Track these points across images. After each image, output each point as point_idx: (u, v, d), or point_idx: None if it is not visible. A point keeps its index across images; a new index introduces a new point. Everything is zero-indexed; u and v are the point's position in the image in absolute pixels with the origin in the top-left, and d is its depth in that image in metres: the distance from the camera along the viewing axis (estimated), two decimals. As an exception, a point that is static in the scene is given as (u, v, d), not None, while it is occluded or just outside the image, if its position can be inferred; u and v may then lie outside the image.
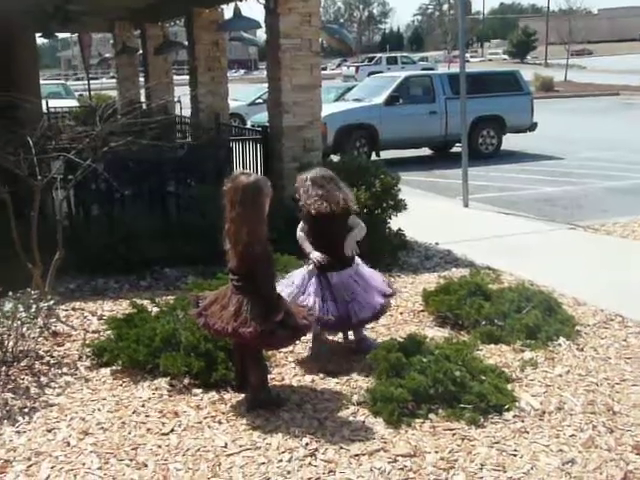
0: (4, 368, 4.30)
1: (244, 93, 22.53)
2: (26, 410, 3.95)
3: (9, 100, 8.16)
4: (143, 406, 3.98)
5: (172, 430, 3.75)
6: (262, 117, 13.51)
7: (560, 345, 4.77)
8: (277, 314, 3.77)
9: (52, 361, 4.53)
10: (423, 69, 35.11)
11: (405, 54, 53.20)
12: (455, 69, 17.76)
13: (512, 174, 12.98)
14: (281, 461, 3.43)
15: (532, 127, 15.80)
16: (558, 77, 38.99)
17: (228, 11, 10.12)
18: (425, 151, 15.89)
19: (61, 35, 21.05)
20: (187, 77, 11.49)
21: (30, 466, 3.42)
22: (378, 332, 5.05)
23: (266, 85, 8.16)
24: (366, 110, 14.57)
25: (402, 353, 4.14)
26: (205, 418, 3.86)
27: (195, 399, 4.08)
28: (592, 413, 3.87)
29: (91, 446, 3.59)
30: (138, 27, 14.34)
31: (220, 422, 3.82)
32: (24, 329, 4.43)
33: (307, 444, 3.57)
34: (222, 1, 9.77)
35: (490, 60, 65.55)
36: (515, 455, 3.48)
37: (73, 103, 19.19)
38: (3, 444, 3.62)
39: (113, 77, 31.31)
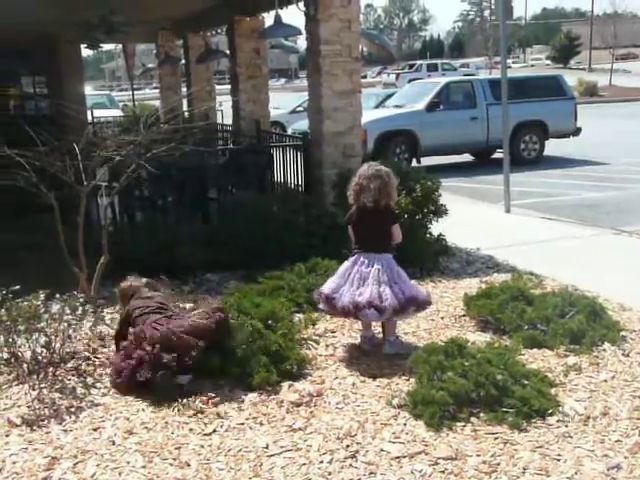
0: (51, 369, 4.40)
1: (285, 101, 22.67)
2: (72, 409, 4.03)
3: (56, 109, 8.37)
4: (184, 406, 4.03)
5: (214, 431, 3.79)
6: (303, 125, 13.56)
7: (605, 350, 4.69)
8: None
9: (97, 362, 4.61)
10: (464, 75, 34.95)
11: (446, 61, 52.97)
12: (497, 75, 17.67)
13: (555, 180, 12.81)
14: (322, 462, 3.44)
15: (576, 132, 15.58)
16: (602, 82, 38.42)
17: (269, 19, 10.22)
18: (466, 157, 15.78)
19: (105, 47, 21.45)
20: (228, 86, 11.63)
21: (77, 464, 3.50)
22: (419, 336, 5.03)
23: (306, 94, 8.21)
24: (406, 116, 14.54)
25: (443, 356, 4.12)
26: (247, 419, 3.90)
27: (236, 401, 4.11)
28: (638, 419, 3.80)
29: (135, 445, 3.65)
30: (180, 37, 14.56)
31: (261, 423, 3.85)
32: (71, 331, 4.52)
33: (348, 446, 3.58)
34: (263, 9, 9.86)
35: (532, 66, 64.88)
36: (559, 460, 3.43)
37: (117, 113, 19.56)
38: (51, 442, 3.70)
39: (156, 87, 31.84)
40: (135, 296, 4.76)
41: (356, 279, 4.64)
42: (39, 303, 4.39)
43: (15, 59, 14.31)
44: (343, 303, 4.61)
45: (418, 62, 48.99)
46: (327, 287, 4.76)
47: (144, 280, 4.98)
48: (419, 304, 4.72)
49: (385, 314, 4.58)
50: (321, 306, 4.87)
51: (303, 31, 7.87)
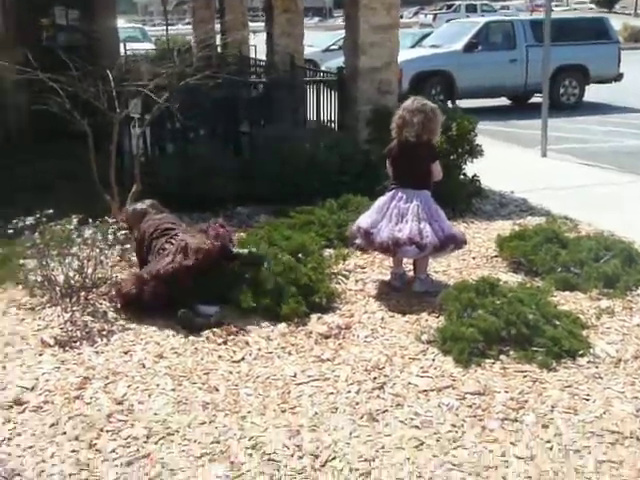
0: (83, 293, 4.45)
1: (318, 39, 22.26)
2: (104, 332, 4.09)
3: (88, 41, 8.29)
4: (214, 334, 4.06)
5: (243, 358, 3.82)
6: (336, 63, 13.31)
7: (639, 295, 4.62)
8: None
9: (128, 288, 4.64)
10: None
11: (485, 2, 51.36)
12: (535, 16, 17.10)
13: (594, 126, 12.49)
14: (349, 392, 3.46)
15: (618, 78, 15.10)
16: (648, 28, 37.07)
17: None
18: (503, 101, 15.43)
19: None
20: (261, 24, 11.44)
21: (108, 384, 3.55)
22: (450, 275, 4.99)
23: (341, 33, 8.02)
24: (443, 57, 14.21)
25: (474, 294, 4.09)
26: (275, 349, 3.92)
27: (265, 330, 4.14)
28: (670, 363, 3.76)
29: (165, 369, 3.70)
30: (215, -31, 14.30)
31: (290, 353, 3.88)
32: (102, 257, 4.55)
33: (375, 378, 3.59)
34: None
35: (575, 9, 62.67)
36: (587, 400, 3.41)
37: (149, 46, 19.41)
38: (82, 362, 3.76)
39: (188, 23, 31.42)
40: (145, 218, 4.75)
41: (394, 214, 4.57)
42: (72, 228, 4.41)
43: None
44: (382, 238, 4.55)
45: (456, 2, 47.53)
46: (364, 221, 4.69)
47: (148, 202, 4.96)
48: (457, 243, 4.68)
49: (425, 251, 4.54)
50: (358, 241, 4.82)
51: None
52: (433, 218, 4.56)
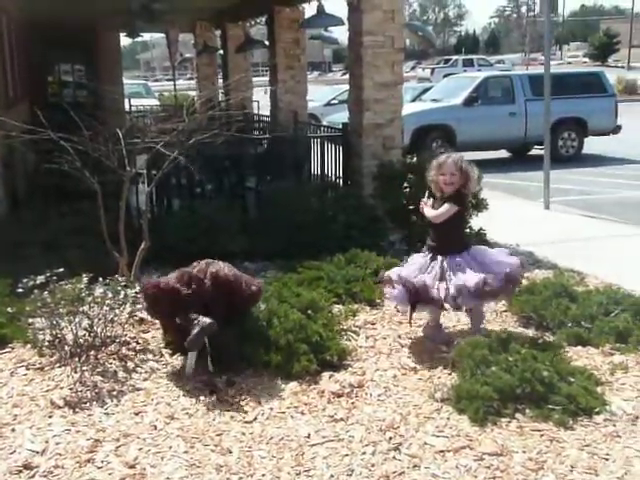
0: (93, 352, 4.41)
1: (319, 94, 22.60)
2: (114, 393, 4.05)
3: (94, 98, 8.41)
4: (226, 393, 4.02)
5: (255, 418, 3.77)
6: (338, 117, 13.53)
7: (652, 350, 4.59)
8: None
9: (138, 347, 4.62)
10: (501, 71, 34.52)
11: (482, 56, 52.40)
12: (532, 71, 17.38)
13: (594, 177, 12.61)
14: (364, 454, 3.41)
15: (615, 130, 15.31)
16: (642, 80, 37.67)
17: (308, 10, 10.21)
18: (502, 153, 15.60)
19: (141, 38, 21.53)
20: (263, 79, 11.65)
21: (119, 447, 3.50)
22: (462, 331, 4.96)
23: (341, 87, 8.19)
24: (444, 111, 14.42)
25: (488, 351, 4.06)
26: (288, 408, 3.88)
27: (277, 389, 4.09)
28: (688, 420, 3.71)
29: (177, 430, 3.65)
30: (219, 27, 14.59)
31: (302, 413, 3.83)
32: (112, 315, 4.53)
33: (391, 438, 3.54)
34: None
35: (569, 63, 63.80)
36: (607, 459, 3.35)
37: (153, 102, 19.70)
38: (93, 424, 3.71)
39: (190, 78, 31.98)
40: None
41: None
42: (82, 286, 4.40)
43: (55, 49, 14.50)
44: None
45: (454, 57, 48.56)
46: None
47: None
48: None
49: None
50: None
51: (345, 21, 7.82)
52: None
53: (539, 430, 3.60)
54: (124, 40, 15.66)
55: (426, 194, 4.87)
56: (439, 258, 4.65)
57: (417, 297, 4.59)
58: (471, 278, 4.49)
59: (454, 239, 4.73)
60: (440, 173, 4.69)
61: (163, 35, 18.79)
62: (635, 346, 4.59)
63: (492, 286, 4.50)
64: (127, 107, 15.04)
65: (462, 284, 4.48)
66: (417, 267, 4.69)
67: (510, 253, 4.96)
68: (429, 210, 4.75)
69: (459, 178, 4.66)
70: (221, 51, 14.91)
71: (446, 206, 4.65)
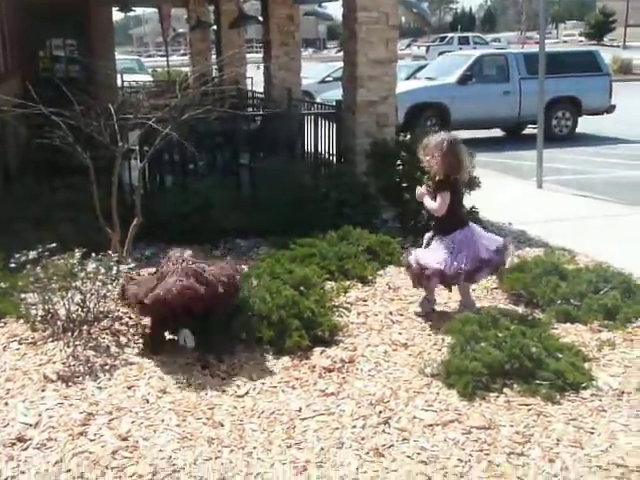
0: (85, 327, 4.43)
1: (313, 71, 22.46)
2: (107, 367, 4.08)
3: (86, 73, 8.35)
4: (218, 368, 4.05)
5: (247, 393, 3.81)
6: (332, 95, 13.46)
7: (639, 327, 4.64)
8: None
9: (130, 322, 4.64)
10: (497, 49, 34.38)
11: (478, 34, 52.12)
12: (528, 49, 17.29)
13: (587, 157, 12.63)
14: (355, 427, 3.46)
15: (610, 109, 15.30)
16: (637, 60, 37.59)
17: (303, -14, 10.13)
18: (496, 132, 15.59)
19: (133, 12, 21.31)
20: (257, 55, 11.59)
21: (112, 420, 3.54)
22: (451, 308, 5.01)
23: (335, 64, 8.16)
24: (438, 89, 14.38)
25: (477, 327, 4.10)
26: (279, 383, 3.92)
27: (269, 364, 4.13)
28: (674, 396, 3.76)
29: (169, 404, 3.68)
30: (212, 2, 14.47)
31: (294, 387, 3.87)
32: (105, 290, 4.54)
33: (380, 412, 3.58)
34: (298, -25, 9.77)
35: (565, 42, 63.68)
36: (592, 433, 3.41)
37: (146, 78, 19.56)
38: (86, 398, 3.75)
39: (184, 54, 31.73)
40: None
41: None
42: (75, 262, 4.41)
43: (47, 23, 14.36)
44: None
45: (449, 35, 48.24)
46: None
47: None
48: None
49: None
50: None
51: (339, -3, 7.78)
52: None
53: (527, 405, 3.65)
54: (116, 15, 15.52)
55: (424, 184, 4.96)
56: (444, 238, 4.73)
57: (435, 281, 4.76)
58: (483, 249, 4.70)
59: (454, 220, 4.79)
60: (425, 154, 4.75)
61: (156, 10, 18.62)
62: (623, 323, 4.64)
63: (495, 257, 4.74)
64: (119, 83, 14.94)
65: (479, 257, 4.66)
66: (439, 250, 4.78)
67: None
68: (429, 202, 4.82)
69: (441, 160, 4.68)
70: (215, 27, 14.80)
71: (440, 198, 4.72)
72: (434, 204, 4.75)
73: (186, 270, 4.10)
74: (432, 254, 4.73)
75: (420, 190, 4.91)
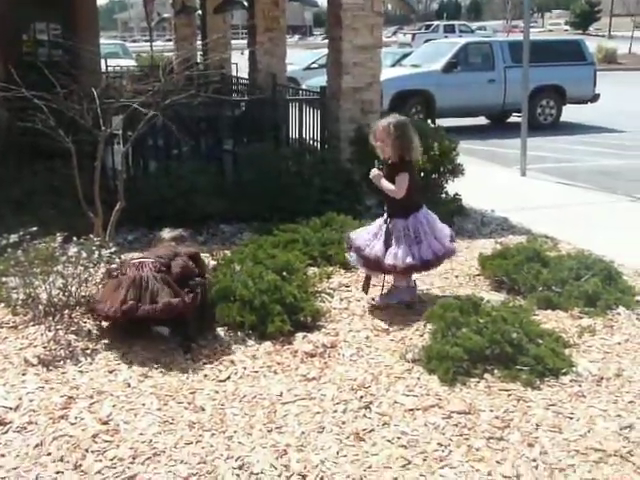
0: (67, 311, 4.41)
1: (299, 58, 22.38)
2: (88, 352, 4.06)
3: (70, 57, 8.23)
4: (200, 353, 4.05)
5: (228, 377, 3.81)
6: (317, 81, 13.41)
7: (619, 314, 4.68)
8: None
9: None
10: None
11: (463, 22, 52.13)
12: (513, 38, 17.32)
13: (571, 145, 12.70)
14: (336, 412, 3.47)
15: (594, 98, 15.39)
16: (622, 49, 37.81)
17: (289, -29, 10.05)
18: (481, 120, 15.63)
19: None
20: (242, 42, 11.51)
21: (93, 404, 3.53)
22: (433, 294, 5.03)
23: (321, 51, 8.12)
24: (423, 76, 14.39)
25: (459, 313, 4.12)
26: (261, 367, 3.92)
27: (251, 349, 4.14)
28: (652, 381, 3.81)
29: (151, 388, 3.68)
30: (197, -13, 14.36)
31: (275, 372, 3.88)
32: (86, 275, 4.52)
33: (362, 397, 3.60)
34: (284, -40, 9.70)
35: (550, 31, 63.77)
36: (572, 418, 3.44)
37: (131, 62, 19.40)
38: (67, 382, 3.73)
39: (169, 40, 31.49)
40: (157, 244, 4.76)
41: None
42: (56, 246, 4.39)
43: (30, 7, 14.16)
44: None
45: (435, 23, 48.23)
46: None
47: (176, 233, 4.94)
48: None
49: None
50: None
51: (324, -17, 7.74)
52: None
53: (507, 390, 3.68)
54: (101, -1, 15.33)
55: (375, 164, 4.91)
56: (389, 222, 4.71)
57: (369, 266, 4.75)
58: (402, 254, 4.60)
59: (410, 202, 4.72)
60: (375, 139, 4.74)
61: (140, -6, 18.44)
62: (603, 310, 4.68)
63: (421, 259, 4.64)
64: (103, 67, 14.78)
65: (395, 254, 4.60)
66: (373, 233, 4.76)
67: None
68: (387, 184, 4.72)
69: (392, 144, 4.65)
70: (200, 12, 14.68)
71: (399, 179, 4.66)
72: (392, 186, 4.70)
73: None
74: (397, 249, 4.65)
75: (375, 171, 4.83)
